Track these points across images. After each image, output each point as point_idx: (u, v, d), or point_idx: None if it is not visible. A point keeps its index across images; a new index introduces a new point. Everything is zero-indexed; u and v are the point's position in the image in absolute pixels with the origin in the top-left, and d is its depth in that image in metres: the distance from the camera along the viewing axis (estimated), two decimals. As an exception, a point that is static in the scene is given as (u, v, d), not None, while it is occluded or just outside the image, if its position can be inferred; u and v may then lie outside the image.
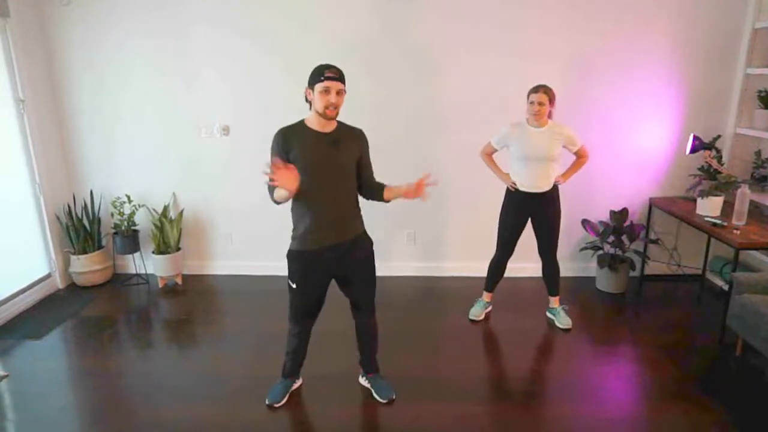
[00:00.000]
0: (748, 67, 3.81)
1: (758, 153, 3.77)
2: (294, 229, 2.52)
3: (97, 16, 3.94)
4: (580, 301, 3.91)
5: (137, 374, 3.05)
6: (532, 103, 3.16)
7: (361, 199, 2.60)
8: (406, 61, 3.95)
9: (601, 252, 4.05)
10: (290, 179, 2.19)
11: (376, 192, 2.56)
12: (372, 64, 3.94)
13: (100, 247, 4.27)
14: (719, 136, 3.86)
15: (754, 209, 3.62)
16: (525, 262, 4.02)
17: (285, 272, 2.58)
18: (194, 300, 4.02)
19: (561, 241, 3.51)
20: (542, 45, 3.87)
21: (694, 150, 3.70)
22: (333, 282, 2.63)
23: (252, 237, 4.37)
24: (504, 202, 3.46)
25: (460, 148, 4.02)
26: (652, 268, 4.28)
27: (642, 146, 4.07)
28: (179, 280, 4.30)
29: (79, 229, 4.17)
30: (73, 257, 4.16)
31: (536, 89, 3.15)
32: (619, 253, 4.01)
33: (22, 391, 2.89)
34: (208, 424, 2.61)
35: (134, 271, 4.40)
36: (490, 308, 3.73)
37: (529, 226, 3.44)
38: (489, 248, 3.58)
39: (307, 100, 2.41)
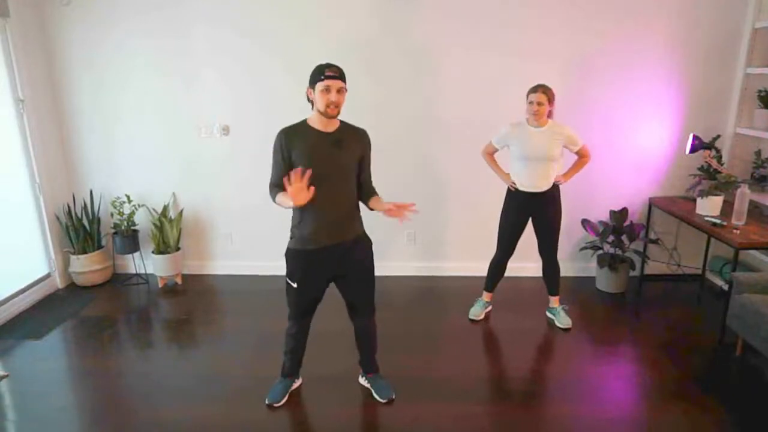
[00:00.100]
0: (748, 67, 3.81)
1: (758, 153, 3.77)
2: (293, 228, 2.53)
3: (97, 16, 3.94)
4: (580, 301, 3.91)
5: (137, 374, 3.05)
6: (531, 102, 3.16)
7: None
8: (406, 61, 3.95)
9: (601, 252, 4.05)
10: (303, 196, 2.18)
11: (365, 196, 2.57)
12: (372, 64, 3.94)
13: (99, 247, 4.27)
14: (719, 136, 3.86)
15: (754, 209, 3.62)
16: (525, 262, 4.03)
17: (285, 272, 2.58)
18: (194, 300, 4.02)
19: (561, 241, 3.50)
20: (542, 45, 3.87)
21: (693, 150, 3.70)
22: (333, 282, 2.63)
23: (252, 237, 4.37)
24: (505, 202, 3.46)
25: (460, 148, 4.03)
26: (652, 267, 4.28)
27: (642, 146, 4.07)
28: (179, 280, 4.30)
29: (79, 229, 4.17)
30: (73, 257, 4.16)
31: (535, 89, 3.15)
32: (619, 252, 4.01)
33: (22, 391, 2.89)
34: (208, 424, 2.61)
35: (134, 271, 4.40)
36: (489, 308, 3.73)
37: (529, 225, 3.44)
38: (489, 248, 3.58)
39: (309, 99, 2.41)
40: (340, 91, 2.35)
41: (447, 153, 4.11)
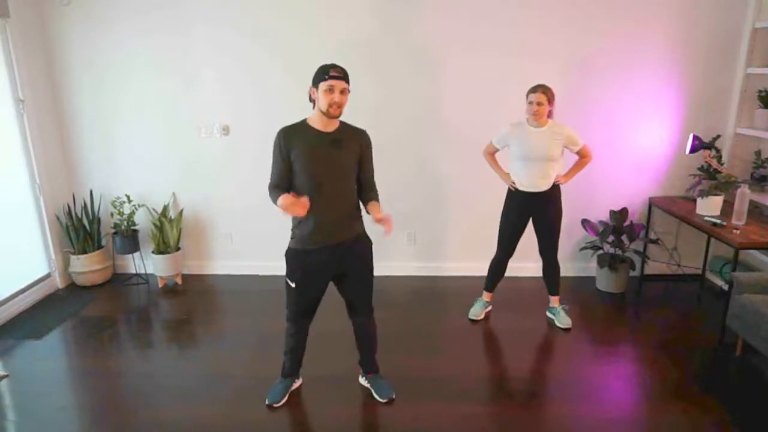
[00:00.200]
0: (748, 67, 3.81)
1: (758, 153, 3.77)
2: (294, 228, 2.53)
3: (97, 16, 3.94)
4: (580, 301, 3.91)
5: (137, 374, 3.05)
6: (530, 102, 3.16)
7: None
8: (406, 61, 3.95)
9: (601, 252, 4.05)
10: (298, 211, 2.24)
11: (365, 196, 2.56)
12: (372, 64, 3.94)
13: (99, 247, 4.27)
14: (719, 136, 3.86)
15: (754, 209, 3.62)
16: (525, 262, 4.02)
17: (284, 272, 2.58)
18: (194, 300, 4.02)
19: (561, 241, 3.50)
20: (542, 45, 3.87)
21: (693, 150, 3.70)
22: (331, 282, 2.63)
23: (252, 237, 4.37)
24: (505, 202, 3.46)
25: (460, 148, 4.03)
26: (652, 267, 4.28)
27: (642, 146, 4.07)
28: (179, 280, 4.30)
29: (79, 229, 4.17)
30: (73, 257, 4.16)
31: (535, 89, 3.15)
32: (619, 252, 4.01)
33: (22, 391, 2.90)
34: (208, 424, 2.61)
35: (134, 271, 4.40)
36: (490, 308, 3.73)
37: (529, 225, 3.44)
38: (489, 248, 3.58)
39: (311, 99, 2.42)
40: (344, 92, 2.35)
41: (447, 153, 4.11)
